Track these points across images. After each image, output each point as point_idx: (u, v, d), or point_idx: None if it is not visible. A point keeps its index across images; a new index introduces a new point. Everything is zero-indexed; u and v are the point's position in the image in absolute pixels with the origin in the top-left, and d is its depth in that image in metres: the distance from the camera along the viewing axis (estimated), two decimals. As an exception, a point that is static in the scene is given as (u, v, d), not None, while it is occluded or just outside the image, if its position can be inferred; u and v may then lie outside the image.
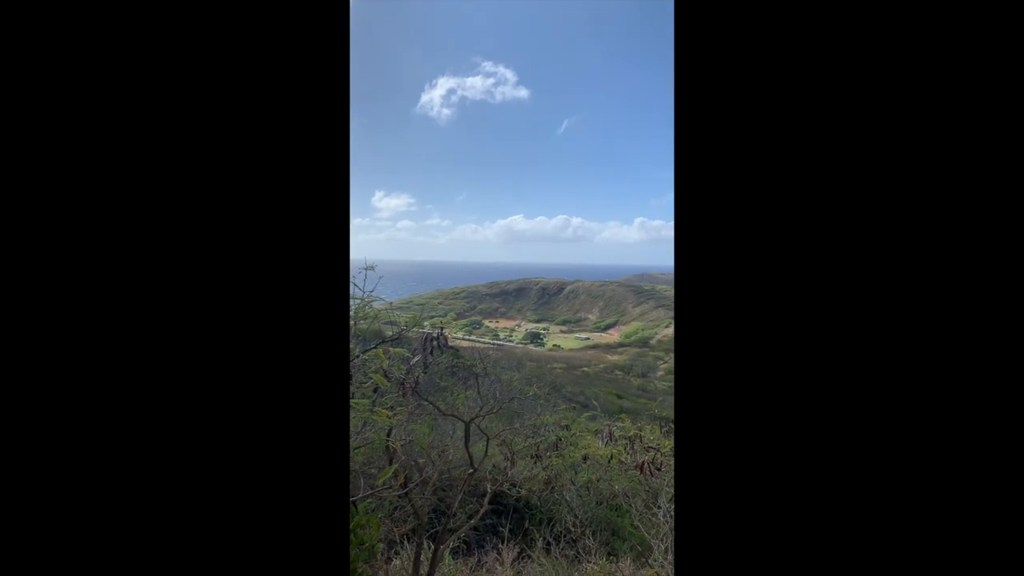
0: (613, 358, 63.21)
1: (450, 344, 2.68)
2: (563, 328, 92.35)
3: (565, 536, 3.58)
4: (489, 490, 3.15)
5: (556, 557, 3.36)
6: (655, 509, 3.19)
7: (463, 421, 2.86)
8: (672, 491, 3.11)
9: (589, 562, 3.05)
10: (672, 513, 2.95)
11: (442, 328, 2.67)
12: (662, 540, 2.77)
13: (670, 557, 2.74)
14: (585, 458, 4.57)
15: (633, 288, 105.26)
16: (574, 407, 6.12)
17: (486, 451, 3.14)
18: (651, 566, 2.65)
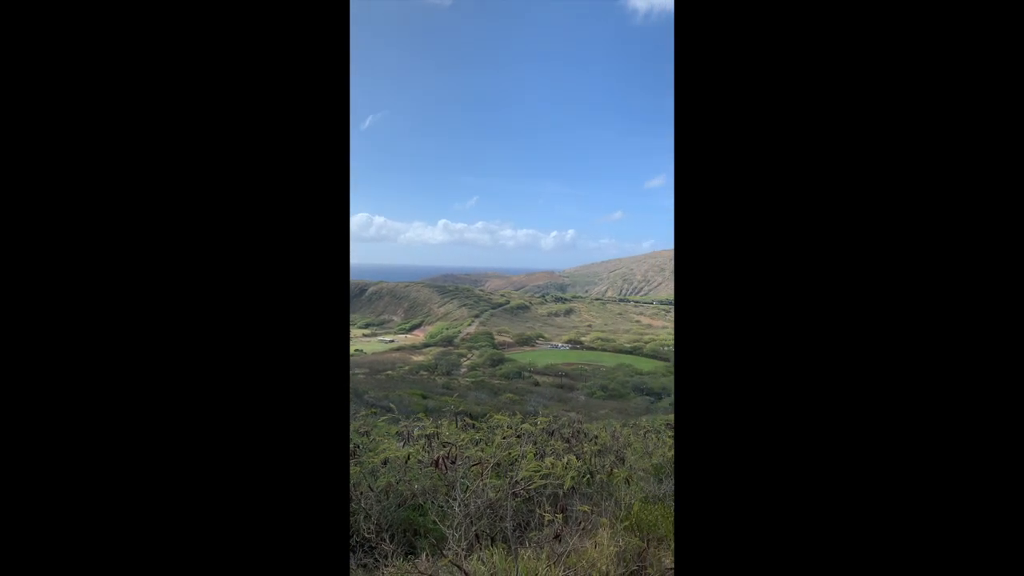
0: (418, 359, 63.39)
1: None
2: (366, 331, 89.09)
3: (363, 545, 3.48)
4: (274, 512, 2.88)
5: (353, 568, 3.24)
6: (452, 501, 3.32)
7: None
8: (465, 482, 3.28)
9: (387, 566, 3.03)
10: (465, 502, 3.11)
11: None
12: (456, 529, 2.90)
13: (464, 544, 2.88)
14: (385, 462, 4.50)
15: (438, 288, 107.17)
16: (375, 412, 5.97)
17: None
18: (445, 555, 2.75)
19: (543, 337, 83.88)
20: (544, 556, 2.98)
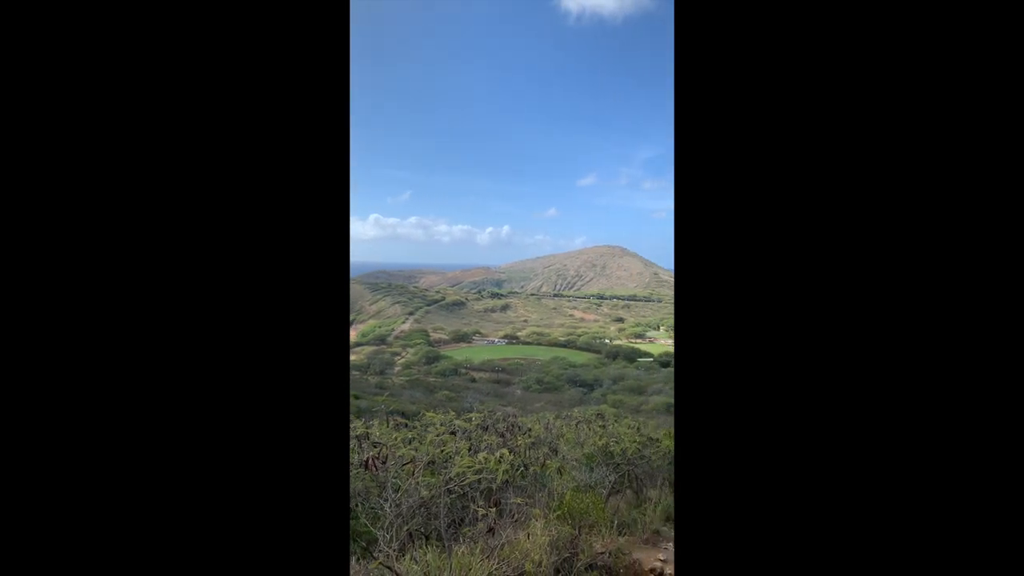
0: (350, 358, 61.44)
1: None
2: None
3: (289, 554, 3.31)
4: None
5: (278, 580, 3.09)
6: (383, 502, 3.25)
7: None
8: (397, 482, 3.21)
9: (314, 574, 2.91)
10: (397, 502, 3.05)
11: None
12: (387, 530, 2.84)
13: (396, 545, 2.83)
14: (313, 466, 4.31)
15: (369, 286, 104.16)
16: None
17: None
18: (376, 557, 2.69)
19: (479, 333, 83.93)
20: (478, 551, 2.99)
